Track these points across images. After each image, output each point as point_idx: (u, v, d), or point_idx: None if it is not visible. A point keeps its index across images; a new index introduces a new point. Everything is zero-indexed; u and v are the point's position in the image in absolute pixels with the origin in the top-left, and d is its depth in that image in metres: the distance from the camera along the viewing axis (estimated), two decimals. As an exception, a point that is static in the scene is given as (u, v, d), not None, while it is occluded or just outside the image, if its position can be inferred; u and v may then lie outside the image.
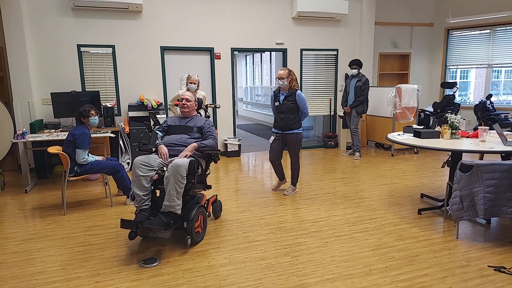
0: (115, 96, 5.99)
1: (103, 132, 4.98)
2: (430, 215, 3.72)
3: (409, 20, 8.03)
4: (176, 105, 4.86)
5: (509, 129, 4.25)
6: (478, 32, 7.62)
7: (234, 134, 6.89)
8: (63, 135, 4.67)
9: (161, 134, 3.44)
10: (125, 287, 2.47)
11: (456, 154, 3.66)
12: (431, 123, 4.59)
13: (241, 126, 11.25)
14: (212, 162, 3.46)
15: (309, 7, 6.57)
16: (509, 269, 2.63)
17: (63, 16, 5.57)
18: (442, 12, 7.92)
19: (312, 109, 7.19)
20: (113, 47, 5.87)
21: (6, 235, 3.36)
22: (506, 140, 3.44)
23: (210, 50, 6.44)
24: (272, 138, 4.32)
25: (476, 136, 3.81)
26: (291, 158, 4.38)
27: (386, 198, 4.28)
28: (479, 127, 3.71)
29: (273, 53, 10.35)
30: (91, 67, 5.85)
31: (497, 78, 7.67)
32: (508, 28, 7.17)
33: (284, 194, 4.41)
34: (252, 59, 13.52)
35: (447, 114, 3.86)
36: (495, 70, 7.58)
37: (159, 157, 3.19)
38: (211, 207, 3.59)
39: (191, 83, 4.81)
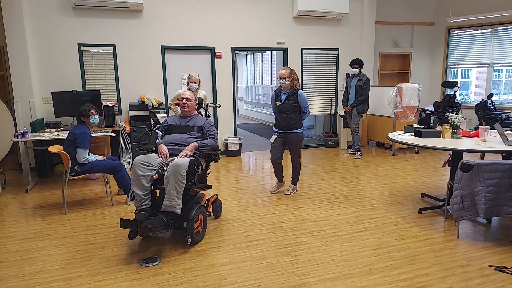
0: (116, 96, 5.99)
1: (104, 132, 4.98)
2: (430, 214, 3.72)
3: (410, 19, 8.02)
4: (177, 104, 4.86)
5: (510, 128, 4.24)
6: (479, 31, 7.61)
7: (235, 134, 6.89)
8: (63, 134, 4.67)
9: (161, 133, 3.44)
10: (126, 286, 2.47)
11: (457, 154, 3.65)
12: (432, 122, 4.58)
13: (241, 125, 11.24)
14: (213, 162, 3.46)
15: (310, 6, 6.56)
16: (510, 268, 2.63)
17: (64, 15, 5.58)
18: (443, 11, 7.91)
19: (313, 108, 7.18)
20: (113, 46, 5.87)
21: (7, 234, 3.37)
22: (507, 139, 3.44)
23: (211, 50, 6.43)
24: (274, 137, 4.31)
25: (477, 136, 3.80)
26: (292, 158, 4.37)
27: (386, 197, 4.27)
28: (480, 126, 3.71)
29: (274, 52, 10.33)
30: (92, 66, 5.85)
31: (498, 77, 7.66)
32: (509, 27, 7.16)
33: (284, 194, 4.41)
34: (252, 59, 13.52)
35: (448, 114, 3.85)
36: (496, 70, 7.57)
37: (159, 157, 3.19)
38: (211, 207, 3.59)
39: (192, 82, 4.81)
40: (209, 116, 3.87)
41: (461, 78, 8.37)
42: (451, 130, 3.75)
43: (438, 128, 4.00)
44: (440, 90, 8.19)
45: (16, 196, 4.51)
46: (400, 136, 3.98)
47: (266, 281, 2.51)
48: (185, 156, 3.14)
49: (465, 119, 4.16)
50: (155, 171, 3.07)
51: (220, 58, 6.51)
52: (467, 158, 3.21)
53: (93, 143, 4.69)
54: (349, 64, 6.38)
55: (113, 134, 4.97)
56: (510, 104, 7.39)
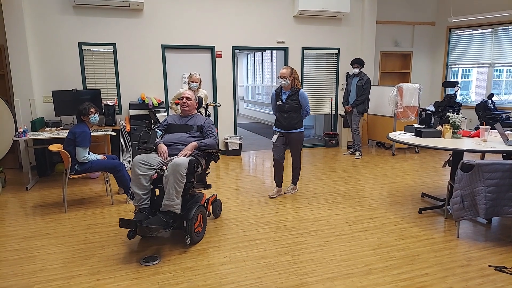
0: (116, 94, 5.99)
1: (104, 130, 4.98)
2: (431, 214, 3.72)
3: (410, 19, 8.01)
4: (177, 103, 4.86)
5: (511, 128, 4.24)
6: (480, 31, 7.60)
7: (235, 133, 6.88)
8: (64, 133, 4.68)
9: (161, 132, 3.43)
10: (126, 285, 2.47)
11: (458, 154, 3.65)
12: (432, 122, 4.58)
13: (242, 124, 11.24)
14: (212, 161, 3.45)
15: (311, 5, 6.55)
16: (510, 268, 2.63)
17: (64, 14, 5.57)
18: (444, 11, 7.89)
19: (313, 108, 7.17)
20: (114, 45, 5.87)
21: (7, 232, 3.37)
22: (508, 139, 3.43)
23: (211, 49, 6.43)
24: (275, 136, 4.29)
25: (478, 136, 3.80)
26: (292, 157, 4.37)
27: (386, 197, 4.27)
28: (480, 126, 3.70)
29: (274, 51, 10.33)
30: (92, 65, 5.85)
31: (499, 77, 7.65)
32: (510, 27, 7.15)
33: (284, 193, 4.41)
34: (253, 58, 13.51)
35: (448, 114, 3.85)
36: (497, 70, 7.56)
37: (158, 156, 3.19)
38: (211, 206, 3.58)
39: (192, 81, 4.81)
40: (209, 116, 3.86)
41: (462, 78, 8.36)
42: (451, 130, 3.74)
43: (439, 128, 3.99)
44: (440, 90, 8.19)
45: (16, 194, 4.51)
46: (401, 136, 3.97)
47: (266, 280, 2.51)
48: (185, 155, 3.13)
49: (465, 119, 4.16)
50: (154, 171, 3.06)
51: (221, 57, 6.50)
52: (467, 158, 3.21)
53: (93, 142, 4.69)
54: (350, 64, 6.38)
55: (113, 133, 4.98)
56: (510, 104, 7.38)
